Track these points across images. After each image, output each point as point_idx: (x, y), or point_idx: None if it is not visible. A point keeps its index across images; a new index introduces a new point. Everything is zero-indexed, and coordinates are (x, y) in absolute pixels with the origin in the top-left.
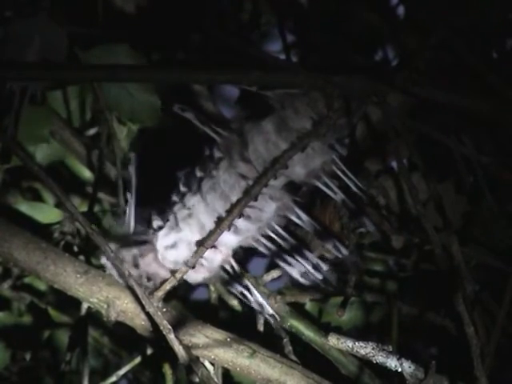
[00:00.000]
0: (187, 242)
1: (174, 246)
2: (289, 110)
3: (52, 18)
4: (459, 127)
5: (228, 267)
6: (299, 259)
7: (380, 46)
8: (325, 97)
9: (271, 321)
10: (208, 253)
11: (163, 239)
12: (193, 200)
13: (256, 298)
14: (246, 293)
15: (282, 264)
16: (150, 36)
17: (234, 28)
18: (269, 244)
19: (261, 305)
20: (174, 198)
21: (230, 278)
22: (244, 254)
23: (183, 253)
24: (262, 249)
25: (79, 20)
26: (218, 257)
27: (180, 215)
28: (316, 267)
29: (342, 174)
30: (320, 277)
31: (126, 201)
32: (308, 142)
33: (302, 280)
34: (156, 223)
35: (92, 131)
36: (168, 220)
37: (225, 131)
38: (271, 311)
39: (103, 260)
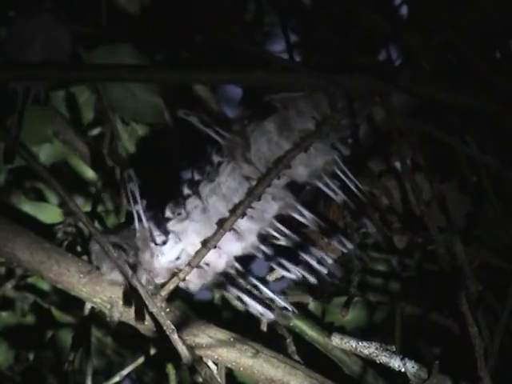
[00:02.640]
0: (189, 254)
1: (178, 258)
2: (291, 111)
3: (55, 18)
4: (462, 127)
5: (232, 270)
6: (303, 255)
7: (383, 45)
8: (328, 97)
9: (282, 315)
10: (211, 258)
11: (168, 254)
12: (192, 204)
13: (266, 293)
14: (246, 298)
15: (279, 269)
16: (153, 36)
17: (238, 28)
18: (266, 250)
19: (272, 299)
20: (173, 207)
21: (228, 282)
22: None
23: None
24: (259, 255)
25: (82, 20)
26: (222, 261)
27: (180, 227)
28: (321, 262)
29: (343, 174)
30: (325, 271)
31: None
32: (311, 142)
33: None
34: (160, 239)
35: (95, 131)
36: (169, 233)
37: (228, 133)
38: (284, 303)
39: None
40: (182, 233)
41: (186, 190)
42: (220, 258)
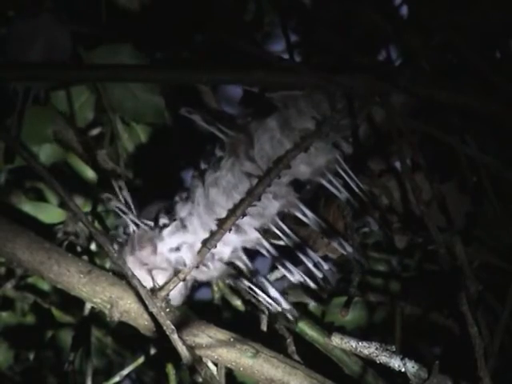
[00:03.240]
0: (191, 245)
1: (178, 248)
2: (291, 110)
3: (55, 18)
4: (462, 127)
5: (240, 263)
6: (301, 257)
7: (383, 45)
8: (328, 97)
9: (288, 315)
10: (215, 249)
11: (168, 240)
12: (196, 194)
13: (272, 292)
14: (255, 289)
15: (281, 269)
16: (153, 36)
17: (238, 28)
18: (270, 248)
19: (275, 300)
20: (179, 195)
21: (238, 275)
22: (248, 254)
23: (187, 255)
24: (264, 252)
25: (82, 19)
26: (227, 251)
27: (183, 213)
28: (317, 266)
29: (345, 173)
30: (320, 275)
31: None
32: (311, 142)
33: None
34: (162, 221)
35: (95, 131)
36: (175, 219)
37: (231, 130)
38: (287, 306)
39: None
40: (186, 218)
41: (192, 180)
42: (224, 247)
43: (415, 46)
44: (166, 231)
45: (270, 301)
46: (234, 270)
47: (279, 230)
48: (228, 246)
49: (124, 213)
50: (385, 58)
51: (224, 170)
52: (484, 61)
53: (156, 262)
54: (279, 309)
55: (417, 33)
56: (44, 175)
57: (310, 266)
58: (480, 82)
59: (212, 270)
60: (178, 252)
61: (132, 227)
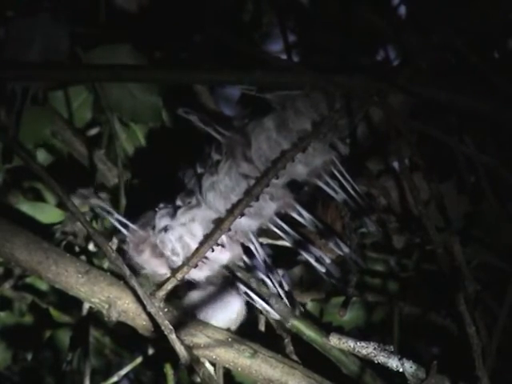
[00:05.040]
0: (186, 244)
1: (166, 229)
2: (289, 111)
3: (53, 18)
4: (461, 127)
5: (240, 262)
6: (303, 253)
7: (382, 45)
8: (326, 97)
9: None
10: (214, 252)
11: (159, 221)
12: (193, 198)
13: (259, 303)
14: (253, 296)
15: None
16: (152, 36)
17: (236, 28)
18: (260, 249)
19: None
20: (181, 199)
21: (235, 277)
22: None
23: (177, 242)
24: (254, 252)
25: (81, 20)
26: (225, 256)
27: (185, 217)
28: (319, 260)
29: (340, 175)
30: (323, 270)
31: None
32: (309, 142)
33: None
34: (163, 222)
35: (93, 131)
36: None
37: (228, 131)
38: (277, 316)
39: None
40: (187, 222)
41: (189, 183)
42: (222, 254)
43: (414, 45)
44: (157, 215)
45: (267, 309)
46: (230, 273)
47: (279, 229)
48: (226, 253)
49: (107, 212)
50: (383, 58)
51: (221, 173)
52: (484, 61)
53: (154, 264)
54: (276, 317)
55: (416, 33)
56: (42, 175)
57: (312, 261)
58: (479, 81)
59: (210, 270)
60: (166, 233)
61: (118, 227)
